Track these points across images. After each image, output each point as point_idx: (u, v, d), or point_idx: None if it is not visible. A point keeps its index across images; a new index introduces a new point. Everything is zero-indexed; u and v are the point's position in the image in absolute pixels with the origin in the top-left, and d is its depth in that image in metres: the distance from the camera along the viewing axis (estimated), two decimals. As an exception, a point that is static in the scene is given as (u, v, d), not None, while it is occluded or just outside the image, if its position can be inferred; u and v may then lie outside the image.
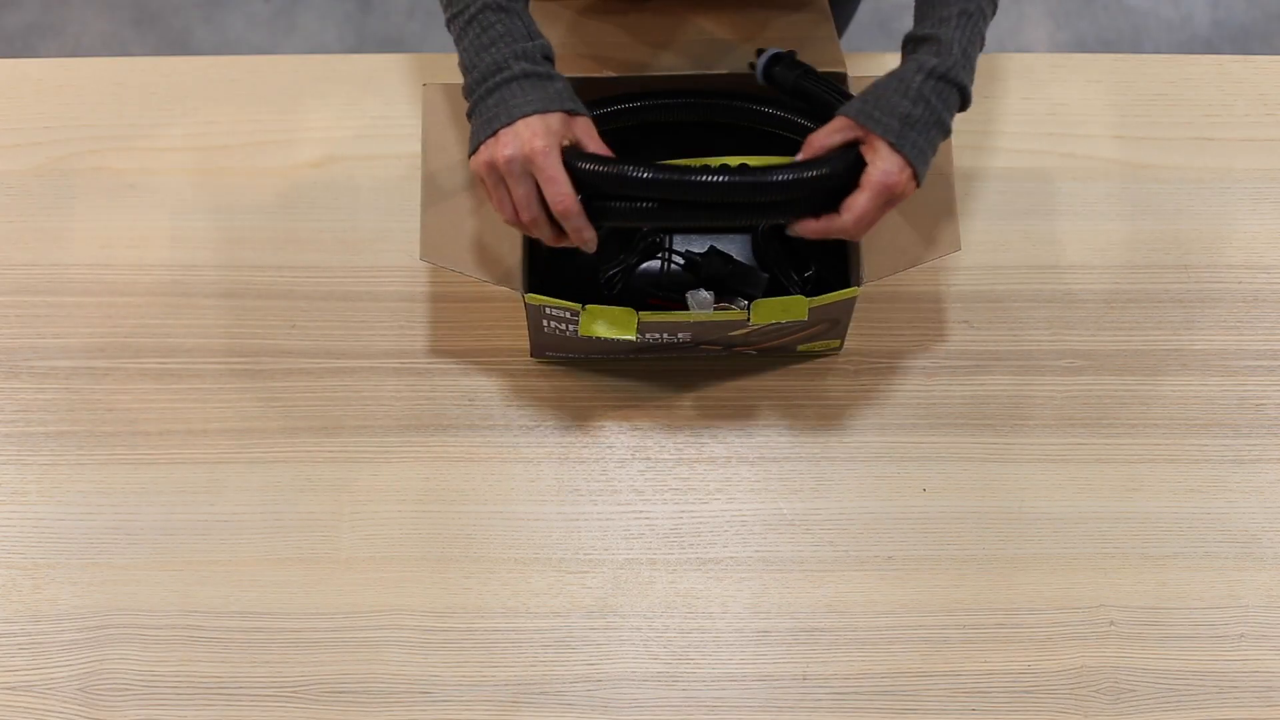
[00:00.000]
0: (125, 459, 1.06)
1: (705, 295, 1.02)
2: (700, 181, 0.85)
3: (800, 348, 1.08)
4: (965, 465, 1.06)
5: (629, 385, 1.09)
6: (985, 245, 1.14)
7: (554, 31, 1.02)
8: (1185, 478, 1.06)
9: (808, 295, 0.96)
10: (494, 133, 0.82)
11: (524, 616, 1.02)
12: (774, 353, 1.09)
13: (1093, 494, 1.06)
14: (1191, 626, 1.02)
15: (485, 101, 0.83)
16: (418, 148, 1.00)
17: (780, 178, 0.85)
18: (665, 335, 1.00)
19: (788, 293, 1.04)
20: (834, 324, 1.03)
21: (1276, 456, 1.07)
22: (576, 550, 1.04)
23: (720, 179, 0.85)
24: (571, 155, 0.85)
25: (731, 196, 0.86)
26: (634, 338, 0.96)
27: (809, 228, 0.88)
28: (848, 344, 1.09)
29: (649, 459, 1.07)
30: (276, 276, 1.12)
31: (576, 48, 1.03)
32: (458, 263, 0.97)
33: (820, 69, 0.99)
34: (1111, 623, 1.02)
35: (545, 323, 0.99)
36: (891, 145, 0.84)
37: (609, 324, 0.95)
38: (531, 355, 1.09)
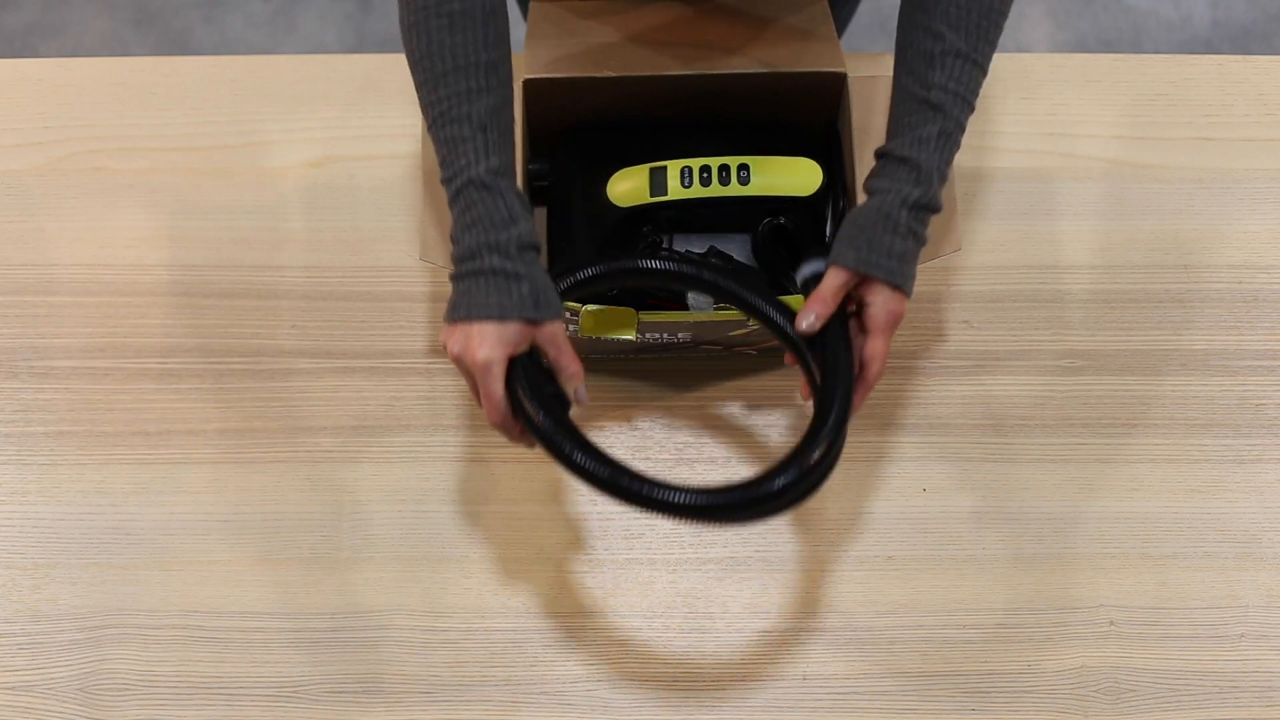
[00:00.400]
0: (125, 459, 1.06)
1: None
2: (656, 500, 0.77)
3: (800, 348, 1.08)
4: (965, 465, 1.06)
5: (629, 385, 1.09)
6: (985, 245, 1.14)
7: (554, 31, 1.02)
8: (1185, 478, 1.06)
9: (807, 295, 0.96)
10: (453, 323, 0.82)
11: (524, 616, 1.02)
12: (774, 353, 1.09)
13: (1093, 494, 1.06)
14: (1191, 626, 1.02)
15: (457, 285, 0.83)
16: (418, 148, 1.00)
17: (771, 487, 0.78)
18: (665, 335, 1.00)
19: (788, 292, 1.04)
20: (834, 324, 1.03)
21: (1276, 456, 1.07)
22: (576, 550, 1.04)
23: (683, 500, 0.76)
24: (520, 379, 0.81)
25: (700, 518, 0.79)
26: (634, 338, 0.95)
27: (858, 406, 0.87)
28: (848, 344, 1.08)
29: (649, 459, 1.07)
30: (276, 276, 1.12)
31: (576, 48, 1.03)
32: (458, 263, 0.97)
33: (820, 69, 0.99)
34: (1111, 623, 1.02)
35: (545, 323, 0.99)
36: (893, 286, 0.85)
37: (609, 324, 0.95)
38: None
